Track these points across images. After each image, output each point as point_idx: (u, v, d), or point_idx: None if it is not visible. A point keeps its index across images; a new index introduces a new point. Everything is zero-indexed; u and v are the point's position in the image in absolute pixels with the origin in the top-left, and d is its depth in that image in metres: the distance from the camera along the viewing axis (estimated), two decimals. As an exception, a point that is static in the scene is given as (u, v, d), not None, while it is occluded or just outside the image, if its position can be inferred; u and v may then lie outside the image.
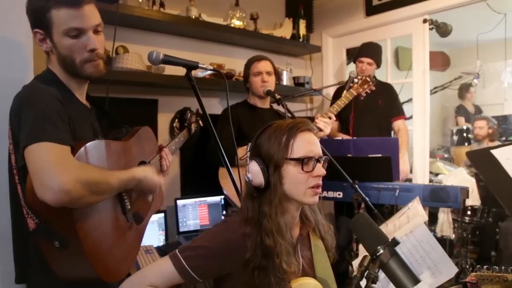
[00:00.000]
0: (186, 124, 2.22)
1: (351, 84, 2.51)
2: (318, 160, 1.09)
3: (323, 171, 1.10)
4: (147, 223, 1.45)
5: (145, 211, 1.42)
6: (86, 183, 0.99)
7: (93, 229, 1.09)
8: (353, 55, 3.10)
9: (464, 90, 5.07)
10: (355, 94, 2.42)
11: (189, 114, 2.28)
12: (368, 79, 2.45)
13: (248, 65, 2.45)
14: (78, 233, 1.03)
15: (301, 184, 1.08)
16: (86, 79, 1.27)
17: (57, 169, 0.96)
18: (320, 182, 1.10)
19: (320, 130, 2.21)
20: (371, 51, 2.89)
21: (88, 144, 1.10)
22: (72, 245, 1.04)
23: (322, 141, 2.40)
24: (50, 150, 0.99)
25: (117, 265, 1.19)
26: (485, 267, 1.10)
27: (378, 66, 2.92)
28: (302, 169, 1.07)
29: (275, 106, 2.52)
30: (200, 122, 2.32)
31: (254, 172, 1.08)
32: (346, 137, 2.84)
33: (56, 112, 1.07)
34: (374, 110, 2.87)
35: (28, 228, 1.09)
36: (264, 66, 2.40)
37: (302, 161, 1.07)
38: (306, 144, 1.09)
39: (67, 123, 1.11)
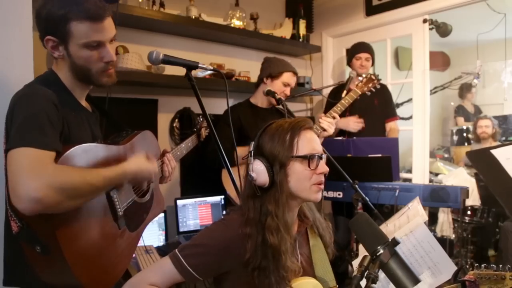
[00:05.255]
0: (195, 129, 2.16)
1: (357, 83, 2.50)
2: (320, 158, 1.11)
3: (326, 168, 1.12)
4: (143, 229, 1.42)
5: (142, 217, 1.40)
6: (61, 188, 0.95)
7: (76, 236, 1.05)
8: (348, 57, 3.11)
9: (465, 90, 5.06)
10: (360, 93, 2.41)
11: (201, 119, 2.20)
12: (373, 77, 2.43)
13: (281, 69, 2.41)
14: (59, 240, 0.99)
15: (306, 181, 1.10)
16: (100, 87, 1.28)
17: (29, 176, 0.93)
18: (323, 179, 1.12)
19: (324, 130, 2.21)
20: (366, 47, 2.92)
21: (76, 147, 1.07)
22: (53, 251, 1.01)
23: (323, 141, 2.42)
24: (28, 155, 0.97)
25: (103, 274, 1.16)
26: (483, 265, 1.10)
27: (373, 63, 2.94)
28: (309, 166, 1.08)
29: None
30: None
31: (259, 171, 1.08)
32: (350, 123, 2.83)
33: (46, 116, 1.05)
34: (370, 110, 2.87)
35: (12, 231, 1.08)
36: (294, 81, 2.45)
37: (308, 158, 1.08)
38: (309, 142, 1.11)
39: (60, 128, 1.10)
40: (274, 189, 1.09)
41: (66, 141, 1.12)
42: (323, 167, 1.11)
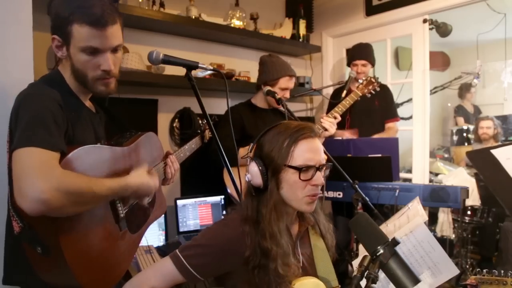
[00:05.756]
0: (199, 131, 2.16)
1: (357, 85, 2.51)
2: (318, 169, 1.08)
3: (321, 181, 1.08)
4: (144, 231, 1.41)
5: (144, 219, 1.40)
6: (67, 192, 0.95)
7: (77, 238, 1.05)
8: (347, 59, 3.12)
9: (464, 89, 5.06)
10: (360, 94, 2.44)
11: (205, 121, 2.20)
12: (373, 79, 2.46)
13: (276, 75, 2.36)
14: (60, 241, 0.99)
15: (299, 191, 1.08)
16: (95, 94, 1.27)
17: (36, 176, 0.93)
18: (318, 191, 1.10)
19: (325, 130, 2.25)
20: (363, 52, 2.91)
21: (80, 149, 1.06)
22: (54, 252, 1.01)
23: (324, 141, 2.42)
24: (35, 156, 0.96)
25: (104, 276, 1.16)
26: (484, 270, 1.10)
27: (373, 64, 2.95)
28: (300, 178, 1.06)
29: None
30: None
31: (253, 173, 1.09)
32: (346, 134, 2.84)
33: (52, 116, 1.05)
34: (370, 111, 2.87)
35: (14, 231, 1.08)
36: (292, 83, 2.41)
37: (300, 170, 1.06)
38: (307, 152, 1.07)
39: (64, 128, 1.09)
40: (267, 193, 1.09)
41: (70, 142, 1.12)
42: (318, 179, 1.07)
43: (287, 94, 2.40)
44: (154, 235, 2.30)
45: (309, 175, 1.07)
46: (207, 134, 2.18)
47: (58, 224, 1.00)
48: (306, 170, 1.06)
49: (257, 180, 1.08)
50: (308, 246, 1.21)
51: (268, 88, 2.34)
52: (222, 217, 2.53)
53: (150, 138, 1.46)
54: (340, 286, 1.20)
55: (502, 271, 1.09)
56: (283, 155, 1.06)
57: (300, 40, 3.34)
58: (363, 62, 2.86)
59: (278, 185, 1.08)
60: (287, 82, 2.37)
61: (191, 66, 1.41)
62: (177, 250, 1.08)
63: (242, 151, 2.16)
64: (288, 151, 1.06)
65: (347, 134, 2.81)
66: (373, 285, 0.85)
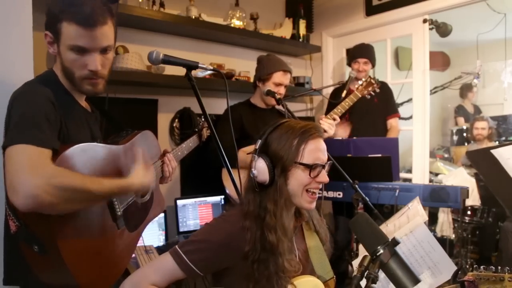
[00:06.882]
0: (197, 130, 2.17)
1: (357, 86, 2.51)
2: (323, 167, 1.12)
3: (326, 179, 1.13)
4: (143, 230, 1.41)
5: (142, 218, 1.40)
6: (59, 189, 0.94)
7: (74, 236, 1.05)
8: (348, 58, 3.13)
9: (466, 89, 5.05)
10: (360, 96, 2.44)
11: (203, 119, 2.20)
12: (373, 81, 2.46)
13: (270, 70, 2.37)
14: (57, 240, 0.99)
15: (303, 185, 1.11)
16: (82, 93, 1.26)
17: (28, 172, 0.93)
18: (320, 186, 1.13)
19: (325, 131, 2.25)
20: (365, 51, 2.93)
21: (75, 147, 1.06)
22: (51, 251, 1.01)
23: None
24: (26, 152, 0.96)
25: (102, 274, 1.16)
26: (482, 267, 1.10)
27: (373, 65, 2.96)
28: (310, 175, 1.10)
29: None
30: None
31: (260, 169, 1.10)
32: (339, 131, 2.83)
33: (44, 114, 1.05)
34: (371, 109, 2.88)
35: (10, 230, 1.08)
36: (287, 79, 2.41)
37: (311, 167, 1.09)
38: (316, 151, 1.11)
39: (57, 126, 1.09)
40: (273, 189, 1.10)
41: (65, 140, 1.11)
42: (324, 177, 1.12)
43: (282, 90, 2.38)
44: (154, 235, 2.30)
45: (316, 173, 1.10)
46: (205, 132, 2.19)
47: (54, 223, 1.00)
48: (315, 168, 1.10)
49: (264, 176, 1.09)
50: (302, 241, 1.23)
51: (268, 88, 2.34)
52: (222, 214, 2.53)
53: (146, 137, 1.46)
54: (335, 277, 1.22)
55: (499, 267, 1.09)
56: (293, 153, 1.09)
57: (300, 40, 3.34)
58: (365, 60, 2.88)
59: (285, 181, 1.11)
60: (281, 77, 2.37)
61: (191, 66, 1.41)
62: (176, 246, 1.09)
63: (242, 153, 2.17)
64: (298, 149, 1.09)
65: (340, 131, 2.80)
66: (373, 285, 0.85)
